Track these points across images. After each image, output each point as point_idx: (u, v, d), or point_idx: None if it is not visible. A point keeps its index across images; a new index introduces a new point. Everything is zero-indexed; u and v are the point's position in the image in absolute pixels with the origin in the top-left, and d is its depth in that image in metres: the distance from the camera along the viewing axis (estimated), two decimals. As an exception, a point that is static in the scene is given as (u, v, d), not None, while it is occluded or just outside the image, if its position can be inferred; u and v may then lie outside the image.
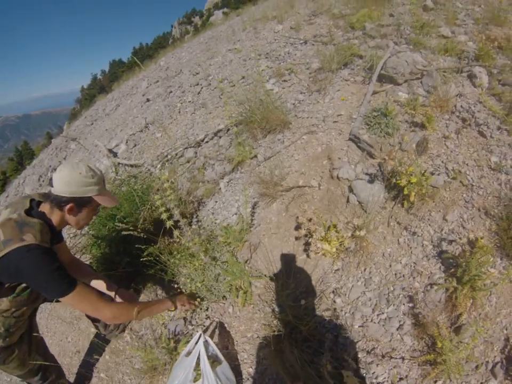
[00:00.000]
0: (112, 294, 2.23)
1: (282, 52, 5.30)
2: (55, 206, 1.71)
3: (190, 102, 5.28)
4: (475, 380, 1.67)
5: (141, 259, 2.23)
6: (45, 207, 1.74)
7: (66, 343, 3.00)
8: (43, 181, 8.56)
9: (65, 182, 1.66)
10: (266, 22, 7.56)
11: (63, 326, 3.15)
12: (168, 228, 2.13)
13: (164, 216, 2.12)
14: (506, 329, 1.77)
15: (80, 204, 1.74)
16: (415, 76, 3.47)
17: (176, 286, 2.44)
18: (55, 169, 6.61)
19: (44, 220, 1.68)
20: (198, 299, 2.35)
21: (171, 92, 6.23)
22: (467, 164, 2.53)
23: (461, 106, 2.97)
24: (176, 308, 2.14)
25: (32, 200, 1.76)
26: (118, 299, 2.21)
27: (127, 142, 5.34)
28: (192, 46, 10.79)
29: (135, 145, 5.13)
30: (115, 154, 5.00)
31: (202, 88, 5.44)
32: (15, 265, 1.50)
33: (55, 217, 1.74)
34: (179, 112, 5.18)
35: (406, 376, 1.78)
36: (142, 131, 5.43)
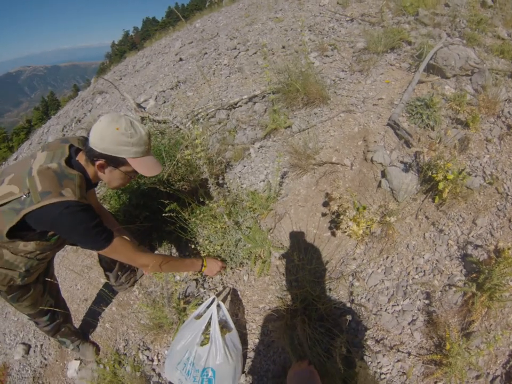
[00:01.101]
0: None
1: (327, 26, 5.07)
2: (88, 159, 1.59)
3: (225, 65, 5.13)
4: (473, 388, 1.66)
5: (163, 214, 2.18)
6: (81, 158, 1.62)
7: (75, 290, 3.06)
8: (67, 131, 8.61)
9: (100, 135, 1.50)
10: (311, -7, 7.26)
11: (73, 273, 3.19)
12: (193, 185, 2.08)
13: (202, 160, 2.02)
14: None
15: (113, 163, 1.58)
16: (465, 71, 3.31)
17: (193, 246, 2.42)
18: (79, 121, 6.66)
19: (82, 172, 1.58)
20: (226, 266, 2.31)
21: (206, 53, 6.07)
22: (505, 172, 2.44)
23: (509, 112, 2.84)
24: (202, 271, 2.12)
25: (71, 146, 1.64)
26: None
27: (156, 98, 5.24)
28: (231, 10, 10.50)
29: (165, 102, 5.02)
30: (143, 109, 4.94)
31: (239, 52, 5.27)
32: (53, 219, 1.46)
33: (90, 170, 1.63)
34: (213, 74, 5.04)
35: (409, 372, 1.79)
36: (172, 89, 5.29)
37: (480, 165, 2.54)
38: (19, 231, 1.50)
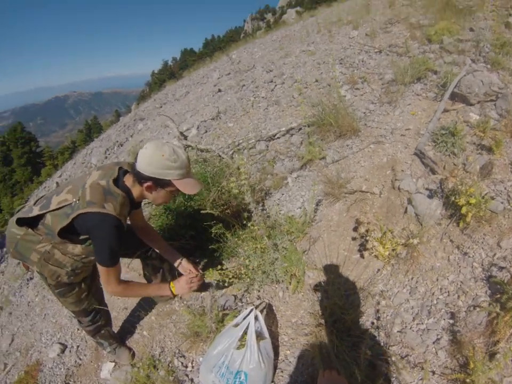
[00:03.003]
0: (176, 264, 2.37)
1: (357, 59, 5.35)
2: (136, 181, 1.82)
3: (263, 97, 5.44)
4: (497, 410, 1.60)
5: (210, 231, 2.46)
6: (128, 179, 1.87)
7: (115, 299, 3.20)
8: (109, 154, 9.18)
9: (147, 161, 1.72)
10: (341, 26, 7.54)
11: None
12: (235, 210, 2.32)
13: (245, 187, 2.22)
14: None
15: (159, 184, 1.81)
16: (490, 97, 3.35)
17: (233, 265, 2.61)
18: (121, 145, 7.18)
19: (126, 192, 1.84)
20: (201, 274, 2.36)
21: (244, 85, 6.44)
22: (530, 195, 2.43)
23: (533, 135, 2.83)
24: (173, 293, 2.20)
25: (120, 169, 1.89)
26: (181, 269, 2.36)
27: (198, 127, 5.61)
28: (265, 42, 10.95)
29: (206, 131, 5.35)
30: (185, 138, 5.32)
31: (276, 85, 5.60)
32: (90, 225, 1.73)
33: (135, 190, 1.87)
34: (252, 106, 5.33)
35: (434, 390, 1.81)
36: (213, 119, 5.65)
37: (505, 188, 2.54)
38: (69, 233, 1.80)
